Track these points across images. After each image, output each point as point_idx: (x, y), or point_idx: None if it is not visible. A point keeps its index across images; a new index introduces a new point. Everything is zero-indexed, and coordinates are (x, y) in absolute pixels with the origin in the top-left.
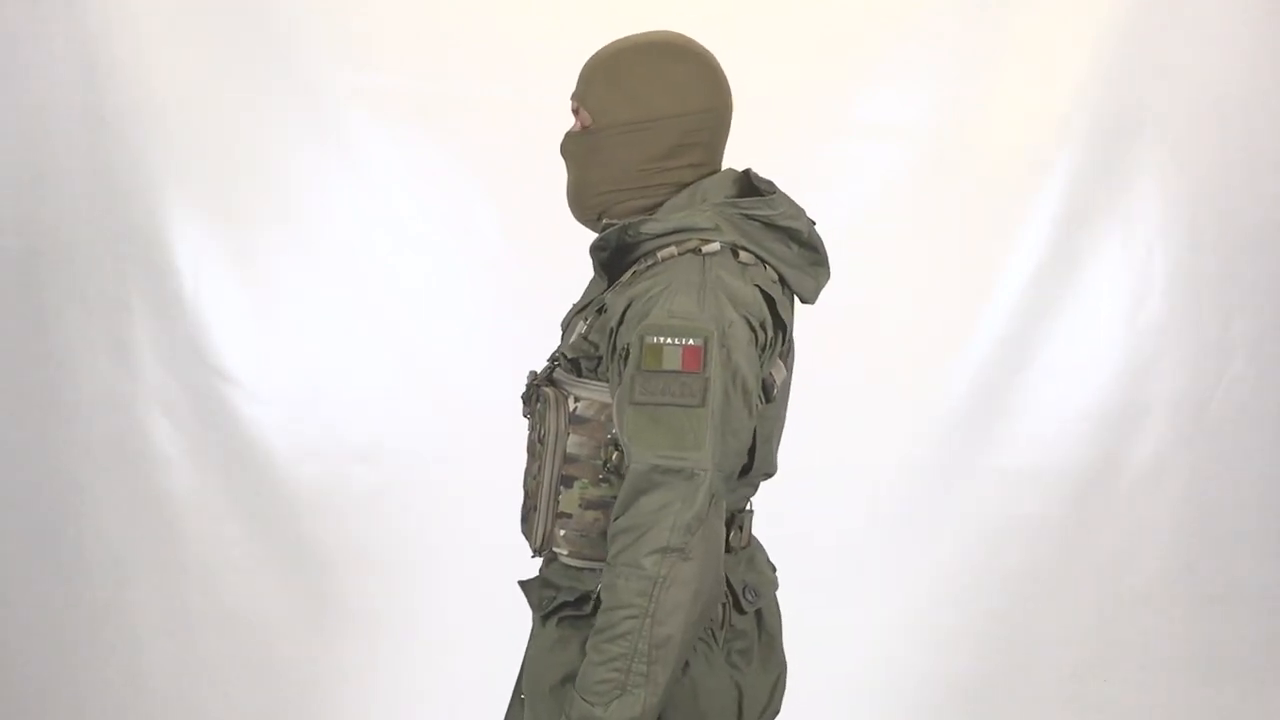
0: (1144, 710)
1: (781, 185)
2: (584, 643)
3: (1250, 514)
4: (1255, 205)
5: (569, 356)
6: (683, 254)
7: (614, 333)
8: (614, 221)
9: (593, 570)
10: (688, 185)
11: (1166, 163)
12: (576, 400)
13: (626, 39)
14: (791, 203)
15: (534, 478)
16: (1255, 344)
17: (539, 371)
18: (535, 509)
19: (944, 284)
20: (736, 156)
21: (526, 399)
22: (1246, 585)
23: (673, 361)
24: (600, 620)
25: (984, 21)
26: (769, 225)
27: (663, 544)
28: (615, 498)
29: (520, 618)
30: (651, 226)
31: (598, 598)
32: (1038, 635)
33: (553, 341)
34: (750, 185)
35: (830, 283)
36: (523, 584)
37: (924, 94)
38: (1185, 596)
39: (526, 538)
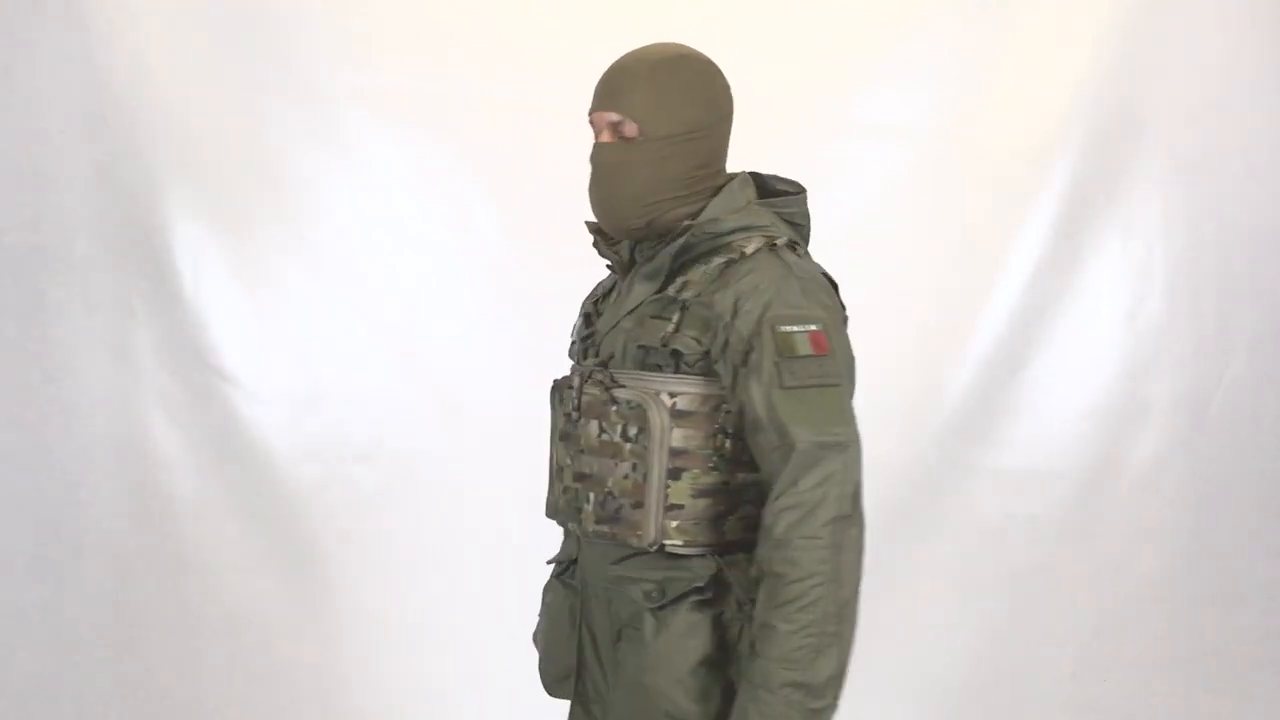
0: (1143, 710)
1: None
2: (714, 625)
3: (1250, 514)
4: (1255, 205)
5: (666, 352)
6: (757, 251)
7: (729, 327)
8: (671, 227)
9: (702, 556)
10: (721, 187)
11: (1166, 163)
12: (673, 396)
13: (648, 50)
14: (802, 202)
15: (626, 476)
16: (1255, 344)
17: (589, 373)
18: (641, 505)
19: (944, 284)
20: (738, 156)
21: (584, 402)
22: (1246, 585)
23: (804, 347)
24: (785, 593)
25: (984, 21)
26: (790, 222)
27: (835, 513)
28: (726, 483)
29: (520, 617)
30: (717, 226)
31: (718, 579)
32: (1037, 635)
33: (553, 341)
34: (761, 185)
35: None
36: (608, 582)
37: (924, 94)
38: (1185, 596)
39: (612, 536)
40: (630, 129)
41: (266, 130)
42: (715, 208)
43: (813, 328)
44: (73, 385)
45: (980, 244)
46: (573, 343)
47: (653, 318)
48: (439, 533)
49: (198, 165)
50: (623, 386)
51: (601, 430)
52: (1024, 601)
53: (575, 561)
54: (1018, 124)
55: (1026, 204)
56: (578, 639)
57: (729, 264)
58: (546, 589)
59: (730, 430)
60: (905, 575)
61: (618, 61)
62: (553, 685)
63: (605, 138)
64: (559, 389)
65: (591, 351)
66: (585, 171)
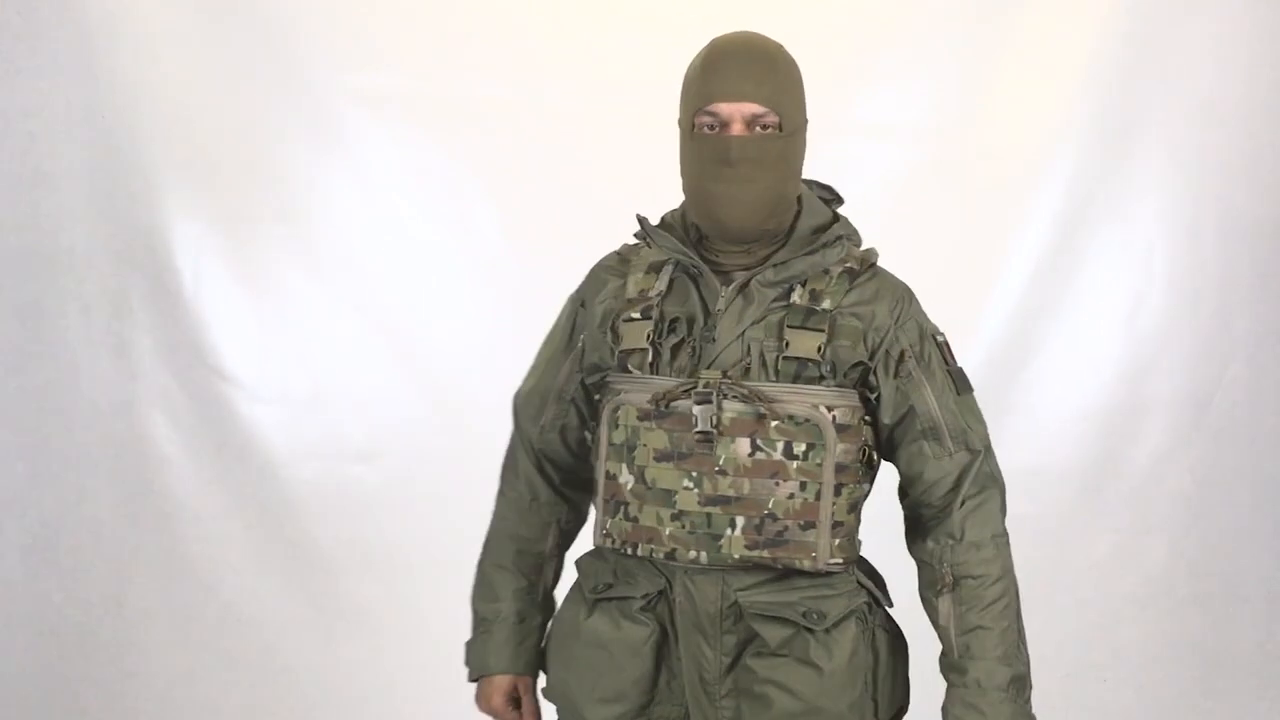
0: (1143, 710)
1: None
2: (872, 640)
3: (1249, 514)
4: (1255, 205)
5: (825, 364)
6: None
7: (889, 337)
8: (779, 229)
9: (843, 571)
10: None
11: (1166, 162)
12: (830, 409)
13: (755, 37)
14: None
15: (792, 496)
16: (1255, 344)
17: (722, 387)
18: (813, 525)
19: (943, 284)
20: None
21: (727, 420)
22: (1246, 585)
23: (952, 357)
24: (989, 593)
25: (984, 22)
26: None
27: (1004, 511)
28: (866, 496)
29: None
30: (836, 233)
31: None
32: (1036, 635)
33: None
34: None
35: None
36: (729, 609)
37: (924, 94)
38: (1184, 596)
39: (774, 560)
40: (772, 120)
41: (267, 130)
42: (821, 213)
43: (946, 338)
44: (72, 385)
45: (980, 244)
46: (629, 351)
47: (794, 328)
48: (438, 532)
49: (198, 165)
50: (781, 401)
51: (756, 448)
52: (1024, 600)
53: (661, 593)
54: (1018, 124)
55: (1026, 204)
56: (657, 674)
57: (849, 273)
58: (583, 617)
59: (872, 443)
60: (905, 576)
61: (737, 47)
62: (592, 710)
63: (738, 130)
64: (630, 406)
65: (691, 363)
66: (588, 171)
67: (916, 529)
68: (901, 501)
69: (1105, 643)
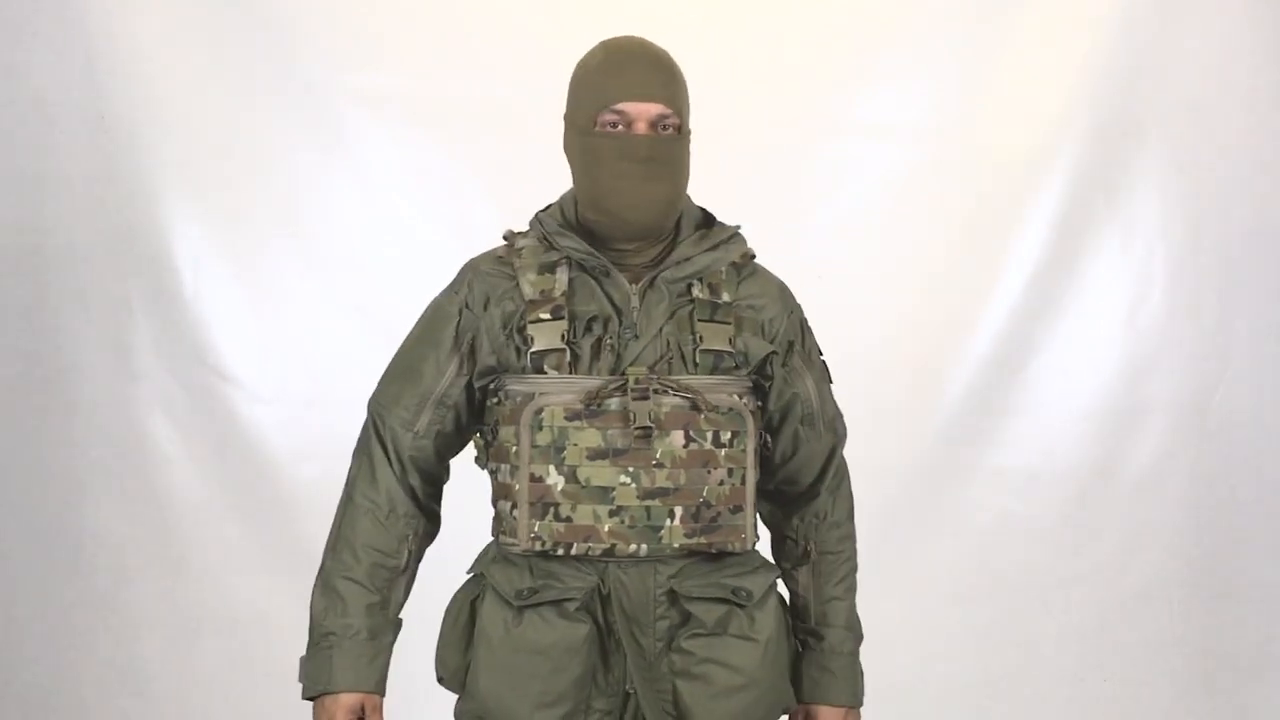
0: (1144, 711)
1: (782, 184)
2: (782, 608)
3: (1250, 514)
4: (1255, 205)
5: (739, 355)
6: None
7: (787, 328)
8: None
9: (755, 551)
10: None
11: (1166, 163)
12: (742, 398)
13: (649, 43)
14: None
15: (722, 483)
16: (1255, 344)
17: (651, 383)
18: (740, 509)
19: (944, 284)
20: (738, 157)
21: (663, 414)
22: (1247, 585)
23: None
24: (844, 568)
25: (984, 22)
26: None
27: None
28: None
29: None
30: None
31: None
32: (1037, 635)
33: None
34: None
35: (830, 283)
36: (664, 595)
37: (924, 94)
38: (1185, 596)
39: (709, 545)
40: (674, 121)
41: (267, 130)
42: (693, 209)
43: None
44: (72, 385)
45: (980, 244)
46: (544, 352)
47: (704, 321)
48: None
49: (197, 165)
50: (707, 393)
51: (689, 440)
52: (1023, 602)
53: (593, 590)
54: (1017, 124)
55: (1026, 204)
56: (594, 671)
57: (734, 267)
58: (510, 625)
59: (766, 429)
60: (904, 576)
61: (640, 51)
62: (532, 717)
63: (643, 129)
64: (556, 407)
65: (613, 360)
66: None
67: (781, 505)
68: (761, 478)
69: (1105, 642)
